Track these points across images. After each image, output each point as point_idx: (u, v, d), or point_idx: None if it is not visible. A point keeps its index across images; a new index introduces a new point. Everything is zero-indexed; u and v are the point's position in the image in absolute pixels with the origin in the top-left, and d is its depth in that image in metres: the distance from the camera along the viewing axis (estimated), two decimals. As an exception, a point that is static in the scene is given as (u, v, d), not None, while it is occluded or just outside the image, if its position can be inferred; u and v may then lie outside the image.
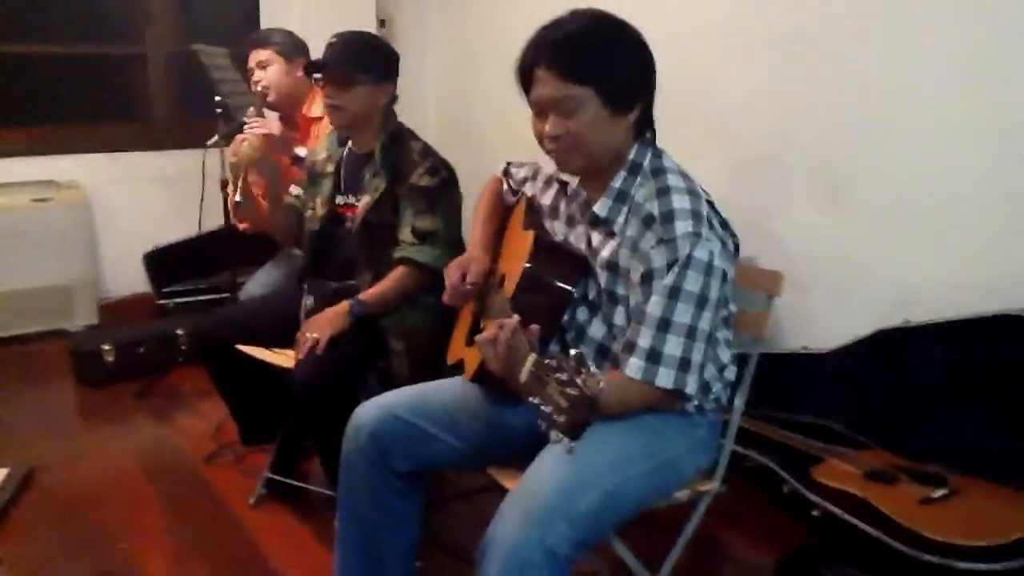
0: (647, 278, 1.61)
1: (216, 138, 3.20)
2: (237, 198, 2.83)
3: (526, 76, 1.68)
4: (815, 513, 2.27)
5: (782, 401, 2.65)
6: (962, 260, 2.35)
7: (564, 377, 1.23)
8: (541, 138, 1.69)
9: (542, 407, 1.26)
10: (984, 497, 2.14)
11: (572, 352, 1.26)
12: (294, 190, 2.73)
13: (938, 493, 2.15)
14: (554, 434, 1.24)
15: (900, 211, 2.48)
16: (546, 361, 1.29)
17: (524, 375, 1.34)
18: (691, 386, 1.61)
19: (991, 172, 2.28)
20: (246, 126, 2.78)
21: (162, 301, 4.35)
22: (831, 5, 2.60)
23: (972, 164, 2.31)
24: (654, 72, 1.70)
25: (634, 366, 1.58)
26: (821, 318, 2.68)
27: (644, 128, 1.72)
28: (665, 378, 1.58)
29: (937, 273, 2.40)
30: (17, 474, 2.80)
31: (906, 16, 2.41)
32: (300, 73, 3.08)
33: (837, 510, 2.20)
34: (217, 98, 3.29)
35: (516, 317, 1.46)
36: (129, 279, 4.51)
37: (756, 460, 2.56)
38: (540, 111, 1.68)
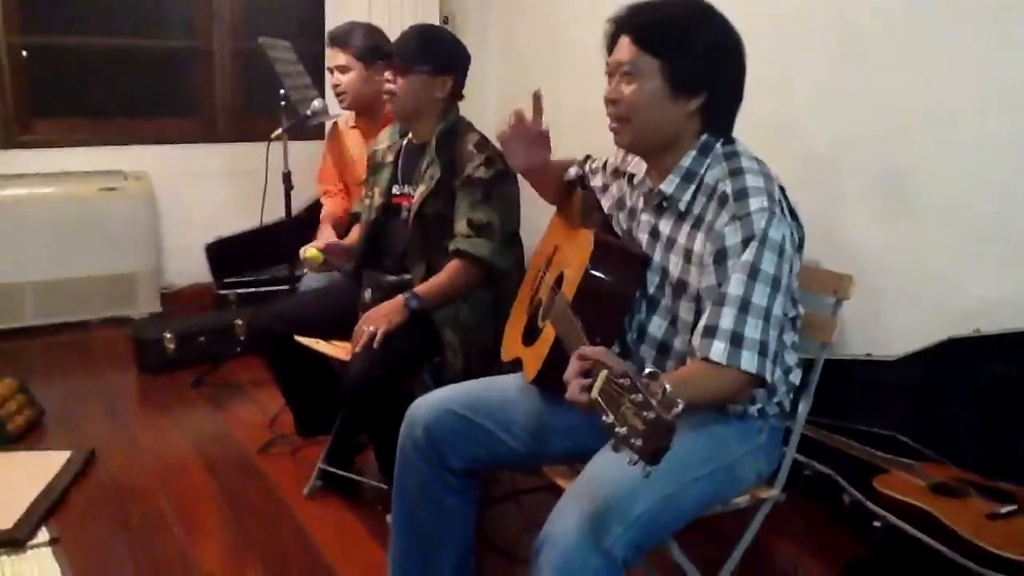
0: (721, 257, 1.57)
1: (280, 131, 3.22)
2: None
3: (611, 42, 1.71)
4: (877, 524, 2.21)
5: (844, 409, 2.59)
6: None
7: (639, 399, 1.17)
8: (606, 104, 1.71)
9: (616, 428, 1.19)
10: (1057, 515, 2.06)
11: (647, 370, 1.23)
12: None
13: (1006, 509, 2.08)
14: (629, 455, 1.18)
15: (969, 217, 2.40)
16: (619, 380, 1.23)
17: (595, 391, 1.28)
18: (769, 373, 1.55)
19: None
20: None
21: (222, 291, 4.41)
22: (895, 3, 2.54)
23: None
24: (731, 69, 1.67)
25: (718, 349, 1.52)
26: (885, 325, 2.61)
27: (711, 123, 1.68)
28: (749, 361, 1.52)
29: (1008, 283, 2.32)
30: (78, 457, 2.86)
31: (975, 20, 2.34)
32: (379, 77, 3.06)
33: (900, 522, 2.15)
34: (282, 91, 3.31)
35: (604, 349, 1.35)
36: (191, 269, 4.59)
37: (815, 469, 2.50)
38: (610, 75, 1.70)
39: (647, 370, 1.22)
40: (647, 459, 1.16)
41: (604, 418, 1.23)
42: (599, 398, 1.26)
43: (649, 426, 1.15)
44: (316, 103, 3.23)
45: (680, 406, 1.16)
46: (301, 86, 3.40)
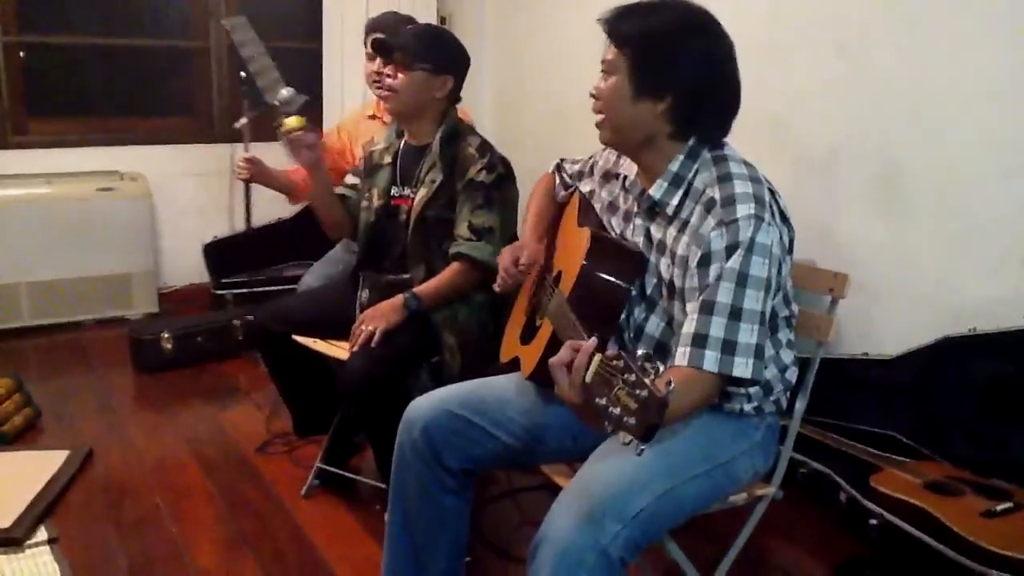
0: (705, 261, 1.57)
1: (244, 120, 3.08)
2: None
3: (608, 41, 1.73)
4: (873, 522, 2.22)
5: (840, 407, 2.60)
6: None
7: (632, 378, 1.18)
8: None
9: (610, 409, 1.21)
10: (1051, 512, 2.07)
11: (640, 352, 1.23)
12: (349, 179, 2.74)
13: (1002, 506, 2.09)
14: (623, 436, 1.20)
15: (965, 217, 2.41)
16: (613, 362, 1.24)
17: (589, 376, 1.29)
18: (762, 373, 1.58)
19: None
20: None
21: (219, 292, 4.41)
22: (893, 7, 2.55)
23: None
24: (703, 74, 1.62)
25: (710, 359, 1.52)
26: (881, 324, 2.62)
27: (688, 126, 1.65)
28: (742, 368, 1.53)
29: (1004, 282, 2.33)
30: (76, 456, 2.86)
31: (967, 23, 2.35)
32: None
33: (896, 520, 2.16)
34: (242, 74, 3.15)
35: (594, 340, 1.34)
36: (188, 269, 4.60)
37: (811, 467, 2.51)
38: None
39: (640, 351, 1.23)
40: (640, 436, 1.17)
41: (598, 400, 1.24)
42: (593, 381, 1.27)
43: (641, 403, 1.16)
44: (284, 92, 3.12)
45: (673, 385, 1.17)
46: (265, 68, 3.27)
